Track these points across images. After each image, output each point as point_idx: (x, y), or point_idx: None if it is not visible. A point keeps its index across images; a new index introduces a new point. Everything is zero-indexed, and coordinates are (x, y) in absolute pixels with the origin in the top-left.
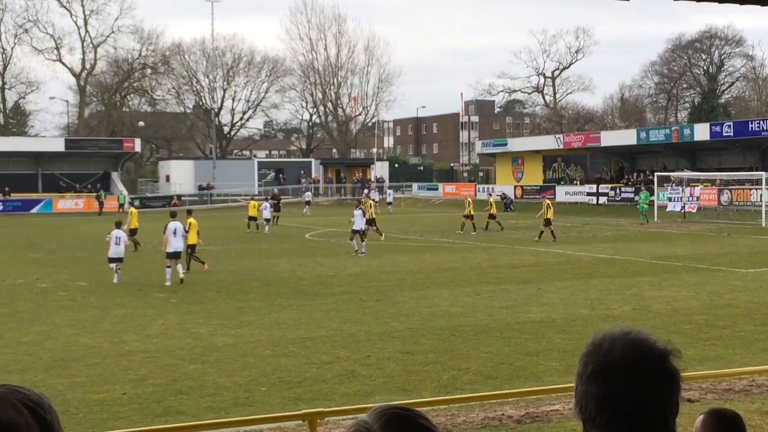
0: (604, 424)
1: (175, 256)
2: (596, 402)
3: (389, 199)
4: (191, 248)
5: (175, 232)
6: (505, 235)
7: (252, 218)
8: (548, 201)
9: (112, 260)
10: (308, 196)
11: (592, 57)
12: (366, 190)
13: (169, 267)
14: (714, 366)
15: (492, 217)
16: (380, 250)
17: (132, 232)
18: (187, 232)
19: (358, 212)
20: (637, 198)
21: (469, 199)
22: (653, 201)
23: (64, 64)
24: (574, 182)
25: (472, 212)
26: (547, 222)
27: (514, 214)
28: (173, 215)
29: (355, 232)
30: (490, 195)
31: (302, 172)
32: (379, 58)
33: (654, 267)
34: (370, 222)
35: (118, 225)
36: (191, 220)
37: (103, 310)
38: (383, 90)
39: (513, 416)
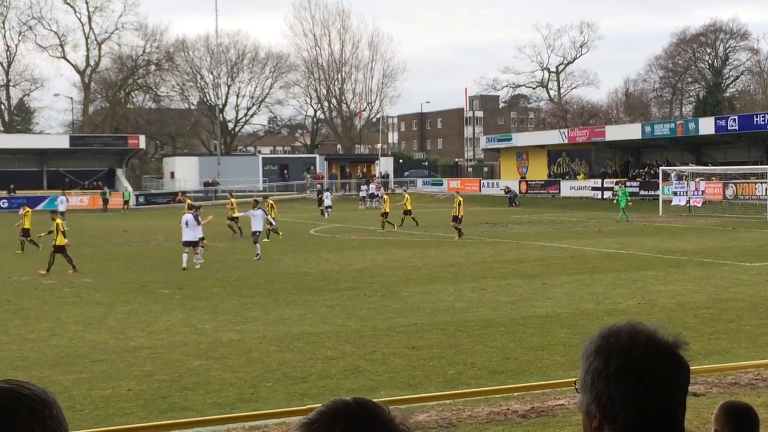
0: (631, 421)
1: (188, 244)
2: (623, 398)
3: (373, 191)
4: (60, 249)
5: (187, 223)
6: (509, 230)
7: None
8: (460, 198)
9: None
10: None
11: (596, 51)
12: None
13: (185, 253)
14: (719, 360)
15: (407, 212)
16: (385, 245)
17: (24, 233)
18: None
19: (258, 212)
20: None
21: (386, 197)
22: (632, 198)
23: (68, 61)
24: (578, 177)
25: (409, 207)
26: (456, 219)
27: (518, 209)
28: (190, 207)
29: (255, 233)
30: (405, 191)
31: (311, 168)
32: (383, 53)
33: (659, 261)
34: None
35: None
36: (59, 221)
37: (108, 306)
38: (387, 85)
39: (518, 411)
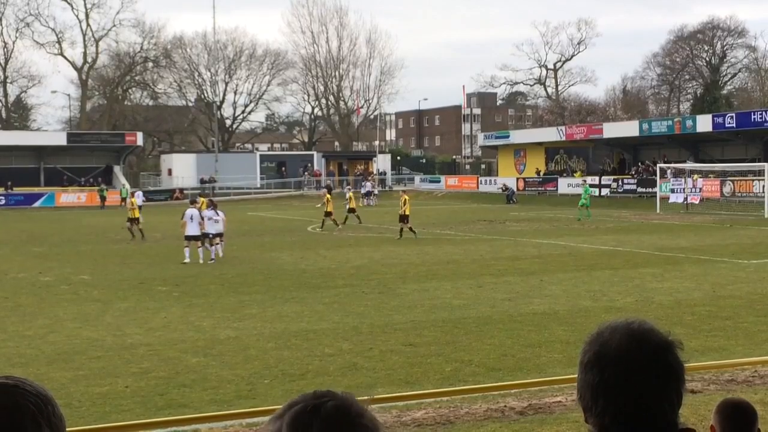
0: (599, 413)
1: (191, 238)
2: (591, 390)
3: (368, 189)
4: None
5: (192, 218)
6: (507, 227)
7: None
8: (406, 196)
9: None
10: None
11: (594, 49)
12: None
13: (186, 247)
14: (716, 357)
15: (351, 210)
16: (383, 242)
17: None
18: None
19: (208, 213)
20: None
21: (328, 196)
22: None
23: (65, 57)
24: (575, 175)
25: (353, 205)
26: (403, 218)
27: (516, 206)
28: (192, 202)
29: (206, 235)
30: (349, 189)
31: (309, 165)
32: (381, 50)
33: (656, 258)
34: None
35: None
36: None
37: (106, 303)
38: (385, 83)
39: (516, 408)
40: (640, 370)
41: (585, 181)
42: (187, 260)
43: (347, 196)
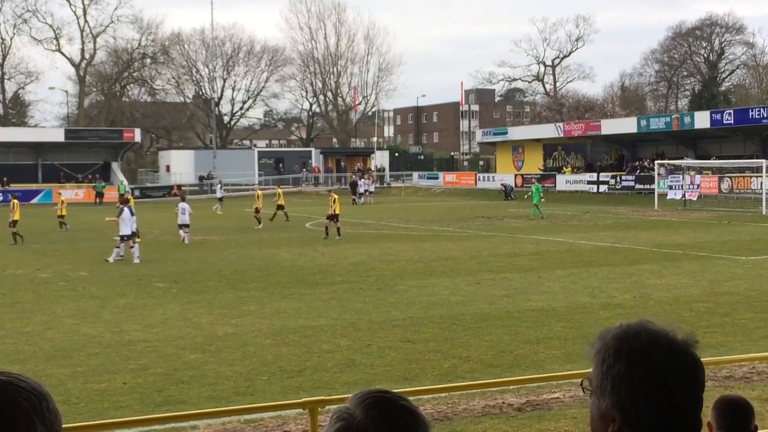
0: (656, 424)
1: (129, 237)
2: (649, 402)
3: (364, 188)
4: None
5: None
6: (505, 224)
7: (61, 217)
8: (335, 195)
9: None
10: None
11: (592, 45)
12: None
13: (127, 246)
14: (714, 353)
15: (280, 207)
16: (381, 239)
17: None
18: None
19: (184, 205)
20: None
21: (259, 192)
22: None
23: (63, 54)
24: (565, 170)
25: (282, 202)
26: (332, 217)
27: (514, 202)
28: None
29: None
30: (279, 186)
31: (309, 161)
32: (379, 47)
33: (655, 255)
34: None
35: None
36: None
37: (104, 300)
38: (383, 79)
39: (514, 404)
40: (696, 374)
41: (535, 180)
42: (136, 259)
43: (278, 192)
